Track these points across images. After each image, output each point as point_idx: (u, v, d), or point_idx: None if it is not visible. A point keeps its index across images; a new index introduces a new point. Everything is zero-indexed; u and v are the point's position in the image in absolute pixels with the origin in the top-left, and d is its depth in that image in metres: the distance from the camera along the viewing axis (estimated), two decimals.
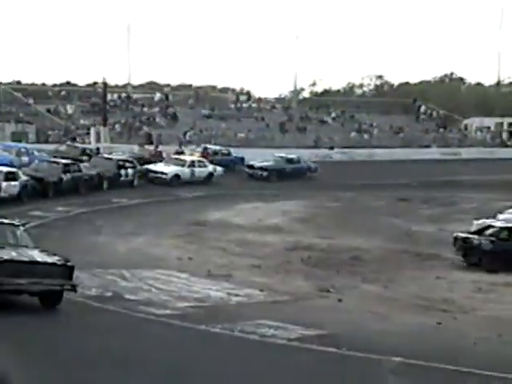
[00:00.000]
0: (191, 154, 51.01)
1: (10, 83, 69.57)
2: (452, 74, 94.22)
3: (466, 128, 77.85)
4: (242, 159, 53.55)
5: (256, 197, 40.78)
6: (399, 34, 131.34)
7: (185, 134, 62.71)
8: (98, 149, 49.77)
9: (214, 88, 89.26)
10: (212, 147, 54.71)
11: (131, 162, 44.48)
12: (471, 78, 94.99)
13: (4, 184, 33.21)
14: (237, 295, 21.02)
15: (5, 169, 34.67)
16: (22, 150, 44.34)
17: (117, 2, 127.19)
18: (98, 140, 56.03)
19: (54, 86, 76.53)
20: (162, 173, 45.45)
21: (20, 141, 50.84)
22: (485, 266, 26.70)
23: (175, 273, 22.98)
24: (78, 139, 55.61)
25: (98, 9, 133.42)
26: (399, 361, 14.81)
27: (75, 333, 16.14)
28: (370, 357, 15.08)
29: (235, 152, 54.69)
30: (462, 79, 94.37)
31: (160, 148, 52.61)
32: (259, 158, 52.52)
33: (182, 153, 51.70)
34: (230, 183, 46.21)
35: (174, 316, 17.96)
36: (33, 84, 76.11)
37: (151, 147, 53.03)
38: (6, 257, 17.21)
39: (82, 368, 12.77)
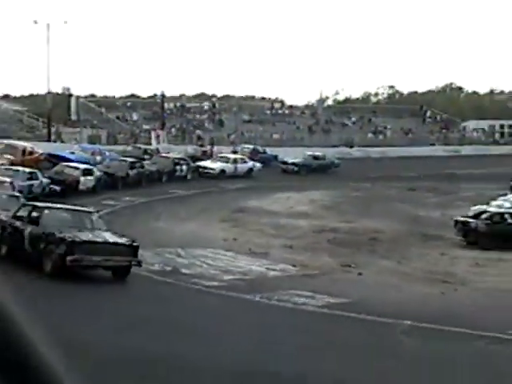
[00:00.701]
0: (235, 152, 51.10)
1: (86, 96, 70.04)
2: (452, 84, 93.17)
3: (464, 129, 77.28)
4: (276, 156, 53.53)
5: (288, 188, 40.65)
6: (409, 49, 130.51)
7: (229, 136, 62.78)
8: (157, 149, 49.93)
9: (253, 98, 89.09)
10: (251, 146, 54.69)
11: (185, 160, 44.60)
12: (468, 87, 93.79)
13: (82, 178, 33.47)
14: (273, 270, 21.02)
15: (82, 166, 34.95)
16: (96, 150, 44.61)
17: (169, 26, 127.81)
18: (157, 142, 56.26)
19: (121, 97, 76.91)
20: (211, 168, 45.56)
21: (94, 143, 51.16)
22: (481, 244, 26.50)
23: (222, 251, 23.01)
24: (138, 141, 55.66)
25: (160, 31, 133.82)
26: (409, 324, 14.79)
27: (139, 301, 16.26)
28: (385, 321, 15.07)
29: (270, 151, 54.70)
30: (460, 88, 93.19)
31: (215, 148, 52.87)
32: (291, 155, 52.44)
33: (236, 152, 51.64)
34: (266, 177, 46.15)
35: (221, 287, 18.02)
36: (104, 96, 76.47)
37: (207, 147, 53.30)
38: (84, 238, 17.44)
39: (141, 330, 12.88)
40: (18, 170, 30.37)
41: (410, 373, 11.63)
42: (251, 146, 54.65)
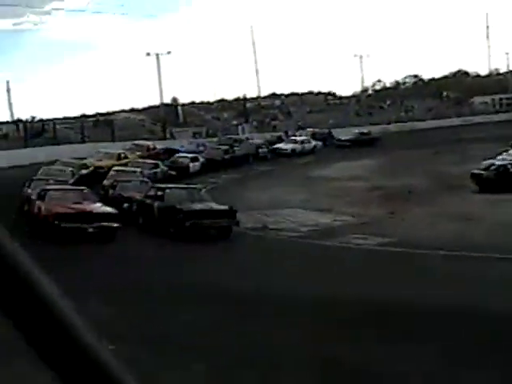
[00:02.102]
0: (314, 134, 49.95)
1: (189, 103, 70.62)
2: (460, 70, 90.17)
3: (472, 103, 75.62)
4: (333, 136, 52.50)
5: (342, 159, 40.14)
6: (428, 45, 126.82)
7: (296, 123, 62.39)
8: (243, 138, 49.88)
9: (311, 93, 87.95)
10: (316, 130, 53.56)
11: (264, 144, 44.65)
12: (473, 71, 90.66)
13: (191, 164, 33.97)
14: (337, 220, 20.95)
15: (190, 155, 35.45)
16: (199, 142, 45.05)
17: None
18: (243, 132, 56.46)
19: (215, 101, 77.28)
20: (284, 149, 45.36)
21: (197, 137, 51.69)
22: (491, 190, 25.73)
23: (298, 210, 22.99)
24: (229, 133, 55.49)
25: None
26: (442, 253, 14.61)
27: (239, 249, 16.53)
28: (424, 252, 14.92)
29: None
30: (467, 73, 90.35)
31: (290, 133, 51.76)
32: (343, 134, 51.84)
33: (314, 134, 50.43)
34: (326, 152, 45.72)
35: (300, 236, 18.10)
36: (202, 102, 76.93)
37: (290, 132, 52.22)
38: (196, 208, 17.79)
39: (244, 269, 13.13)
40: (145, 162, 31.08)
41: (445, 288, 11.48)
42: (326, 131, 53.39)
